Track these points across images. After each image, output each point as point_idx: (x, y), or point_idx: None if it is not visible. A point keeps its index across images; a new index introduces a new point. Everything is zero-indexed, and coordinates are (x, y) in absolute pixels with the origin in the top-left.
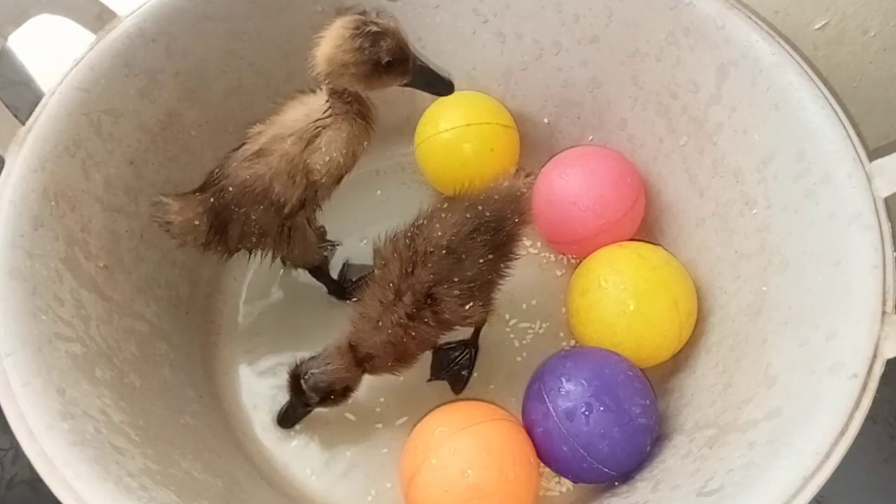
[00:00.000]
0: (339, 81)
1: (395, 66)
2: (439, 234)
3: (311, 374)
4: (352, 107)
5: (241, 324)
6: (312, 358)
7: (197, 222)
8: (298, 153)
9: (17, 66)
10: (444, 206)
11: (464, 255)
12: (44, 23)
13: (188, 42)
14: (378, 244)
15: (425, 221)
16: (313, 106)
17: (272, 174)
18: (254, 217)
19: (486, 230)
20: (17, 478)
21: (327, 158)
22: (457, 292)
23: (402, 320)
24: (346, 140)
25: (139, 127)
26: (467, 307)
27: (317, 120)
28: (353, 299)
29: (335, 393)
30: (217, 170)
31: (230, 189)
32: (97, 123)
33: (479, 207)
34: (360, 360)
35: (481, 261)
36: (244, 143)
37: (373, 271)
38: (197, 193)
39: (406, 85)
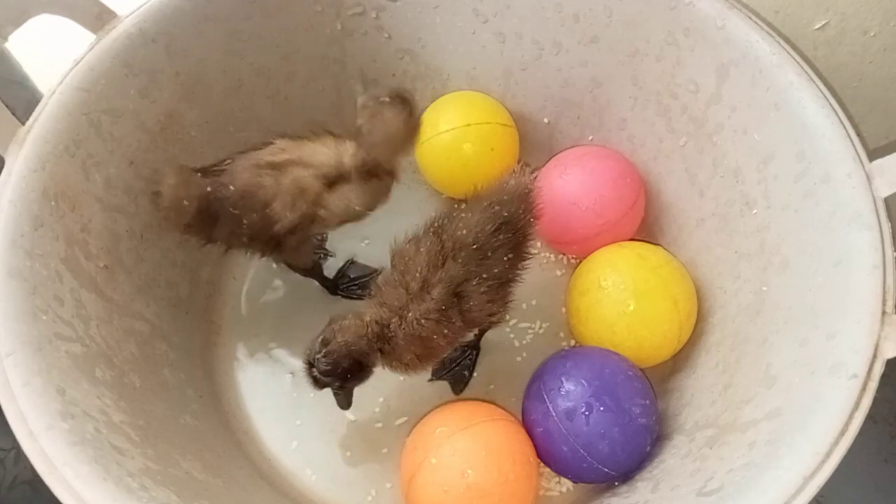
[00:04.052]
0: (377, 151)
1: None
2: (464, 232)
3: (326, 351)
4: (375, 170)
5: (241, 324)
6: (321, 335)
7: (186, 202)
8: (316, 187)
9: (13, 64)
10: (463, 207)
11: (489, 252)
12: (44, 23)
13: (188, 42)
14: (396, 245)
15: (446, 221)
16: (345, 154)
17: (276, 191)
18: (245, 222)
19: (507, 229)
20: (18, 478)
21: (345, 204)
22: (484, 289)
23: (429, 315)
24: (370, 196)
25: (139, 127)
26: (492, 305)
27: (344, 170)
28: (354, 296)
29: (351, 370)
30: (228, 160)
31: (231, 187)
32: (97, 123)
33: (497, 208)
34: (380, 338)
35: (504, 258)
36: (263, 148)
37: (377, 272)
38: (199, 174)
39: None
